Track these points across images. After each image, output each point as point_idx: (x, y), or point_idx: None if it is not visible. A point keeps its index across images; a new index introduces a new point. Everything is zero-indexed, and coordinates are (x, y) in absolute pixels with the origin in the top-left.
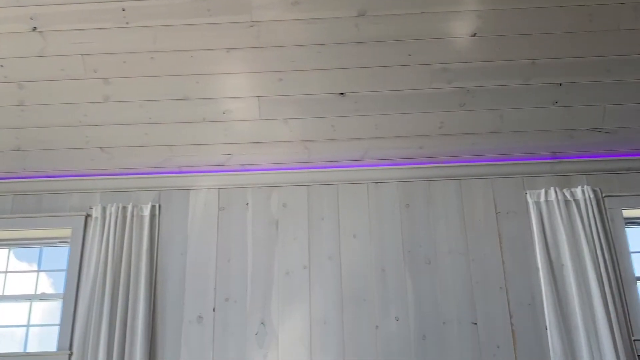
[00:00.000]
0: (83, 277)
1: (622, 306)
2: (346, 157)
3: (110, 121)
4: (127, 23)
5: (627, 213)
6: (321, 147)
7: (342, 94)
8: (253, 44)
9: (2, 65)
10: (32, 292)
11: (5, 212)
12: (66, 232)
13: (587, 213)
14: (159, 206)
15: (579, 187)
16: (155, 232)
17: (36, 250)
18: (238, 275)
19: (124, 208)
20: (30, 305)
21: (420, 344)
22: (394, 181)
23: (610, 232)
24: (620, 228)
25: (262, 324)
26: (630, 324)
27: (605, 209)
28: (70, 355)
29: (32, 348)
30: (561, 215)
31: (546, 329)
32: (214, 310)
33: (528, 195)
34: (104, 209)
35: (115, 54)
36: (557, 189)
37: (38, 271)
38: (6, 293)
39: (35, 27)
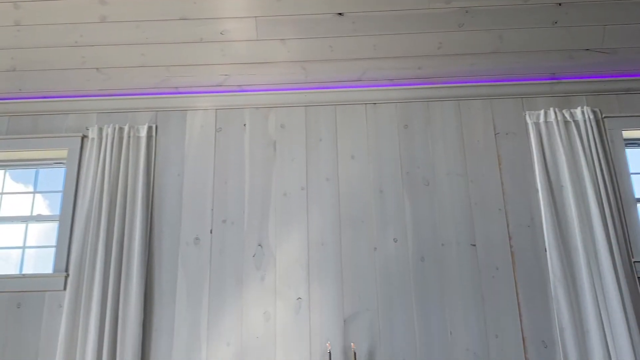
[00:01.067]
0: (79, 199)
1: (622, 228)
2: (344, 77)
3: (107, 42)
4: None
5: (627, 134)
6: (319, 68)
7: (340, 14)
8: None
9: None
10: (28, 214)
11: (0, 133)
12: (62, 153)
13: (587, 134)
14: (156, 127)
15: (579, 108)
16: (152, 153)
17: (32, 171)
18: (235, 196)
19: (121, 129)
20: (26, 227)
21: (419, 265)
22: (392, 102)
23: (610, 153)
24: (620, 149)
25: (259, 245)
26: (630, 246)
27: (605, 129)
28: (67, 277)
29: (28, 270)
30: (561, 136)
31: (545, 250)
32: (211, 232)
33: (527, 116)
34: (100, 130)
35: None
36: (556, 110)
37: (34, 192)
38: (2, 215)
39: None
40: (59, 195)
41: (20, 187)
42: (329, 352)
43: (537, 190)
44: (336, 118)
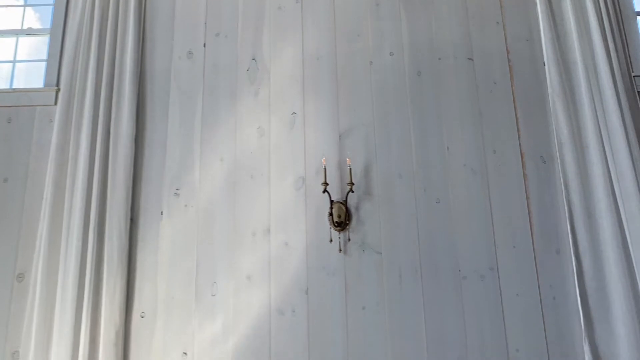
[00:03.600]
0: (70, 12)
1: (622, 42)
2: None
3: None
4: None
5: None
6: None
7: None
8: None
9: None
10: (19, 27)
11: None
12: None
13: None
14: None
15: None
16: None
17: None
18: (229, 9)
19: None
20: (17, 41)
21: (415, 80)
22: None
23: None
24: None
25: (253, 59)
26: (630, 60)
27: None
28: (58, 91)
29: (18, 85)
30: None
31: (544, 64)
32: (204, 45)
33: None
34: None
35: None
36: None
37: (24, 6)
38: None
39: None
40: (50, 8)
41: (10, 0)
42: (324, 168)
43: (535, 3)
44: None
